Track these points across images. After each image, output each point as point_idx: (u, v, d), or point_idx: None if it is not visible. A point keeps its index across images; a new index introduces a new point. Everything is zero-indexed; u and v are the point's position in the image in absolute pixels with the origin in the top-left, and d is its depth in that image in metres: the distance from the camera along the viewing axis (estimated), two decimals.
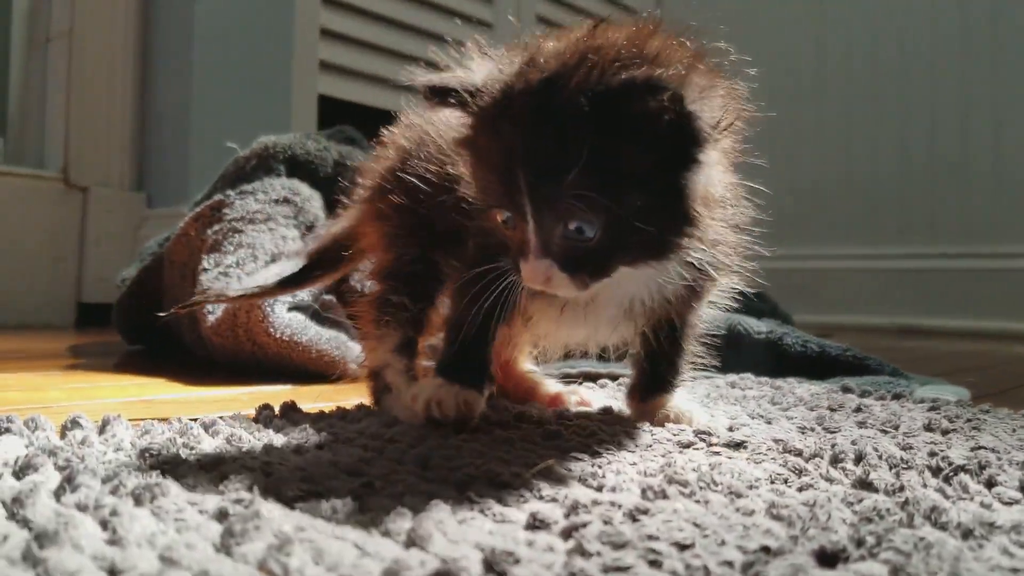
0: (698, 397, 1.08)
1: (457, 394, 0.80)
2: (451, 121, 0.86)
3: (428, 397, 0.80)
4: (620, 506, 0.55)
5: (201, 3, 2.54)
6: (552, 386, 1.02)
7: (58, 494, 0.55)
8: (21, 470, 0.60)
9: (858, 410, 1.00)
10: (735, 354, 1.46)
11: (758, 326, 1.49)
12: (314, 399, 1.05)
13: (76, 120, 2.61)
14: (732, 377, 1.28)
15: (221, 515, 0.52)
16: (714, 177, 0.72)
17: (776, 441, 0.79)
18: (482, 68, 0.74)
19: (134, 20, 2.69)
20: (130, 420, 0.77)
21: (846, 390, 1.18)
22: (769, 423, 0.92)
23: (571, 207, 0.66)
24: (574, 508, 0.55)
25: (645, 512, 0.54)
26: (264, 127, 1.81)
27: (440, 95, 0.73)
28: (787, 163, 3.46)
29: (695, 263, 0.76)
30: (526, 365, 1.03)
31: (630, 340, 0.89)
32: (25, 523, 0.49)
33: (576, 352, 0.95)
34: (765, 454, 0.74)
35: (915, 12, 3.20)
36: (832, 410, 1.00)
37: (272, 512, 0.52)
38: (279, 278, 1.09)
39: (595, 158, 0.65)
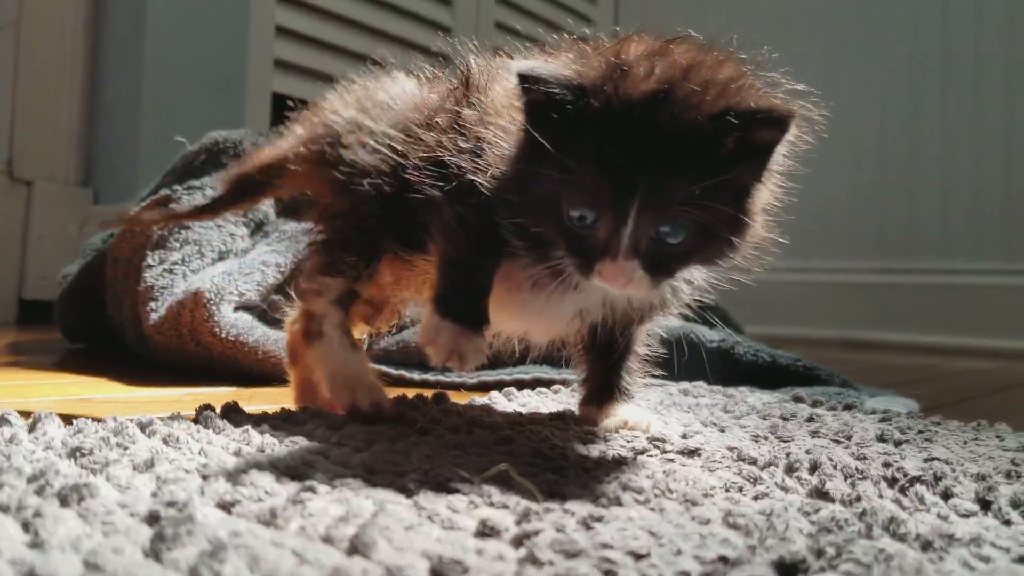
0: (651, 404, 1.07)
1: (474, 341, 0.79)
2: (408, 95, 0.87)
3: (447, 345, 0.79)
4: (573, 513, 0.54)
5: None
6: None
7: None
8: None
9: (810, 420, 1.00)
10: (688, 362, 1.45)
11: (711, 335, 1.48)
12: (258, 401, 1.02)
13: (22, 112, 2.53)
14: (684, 385, 1.27)
15: (152, 518, 0.49)
16: (766, 193, 0.76)
17: (730, 449, 0.78)
18: (571, 64, 0.72)
19: (84, 11, 2.62)
20: (64, 418, 0.74)
21: (797, 400, 1.18)
22: (722, 431, 0.91)
23: (677, 213, 0.68)
24: (525, 515, 0.53)
25: (599, 520, 0.52)
26: (216, 124, 1.76)
27: (539, 85, 0.69)
28: None
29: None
30: None
31: (574, 339, 0.90)
32: None
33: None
34: (719, 462, 0.73)
35: (867, 32, 3.24)
36: (785, 419, 1.00)
37: (207, 516, 0.49)
38: (193, 206, 1.07)
39: (709, 168, 0.67)
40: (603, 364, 0.90)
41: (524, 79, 0.70)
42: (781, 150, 0.73)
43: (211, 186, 1.48)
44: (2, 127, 2.53)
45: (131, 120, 2.53)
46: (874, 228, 3.20)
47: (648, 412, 0.93)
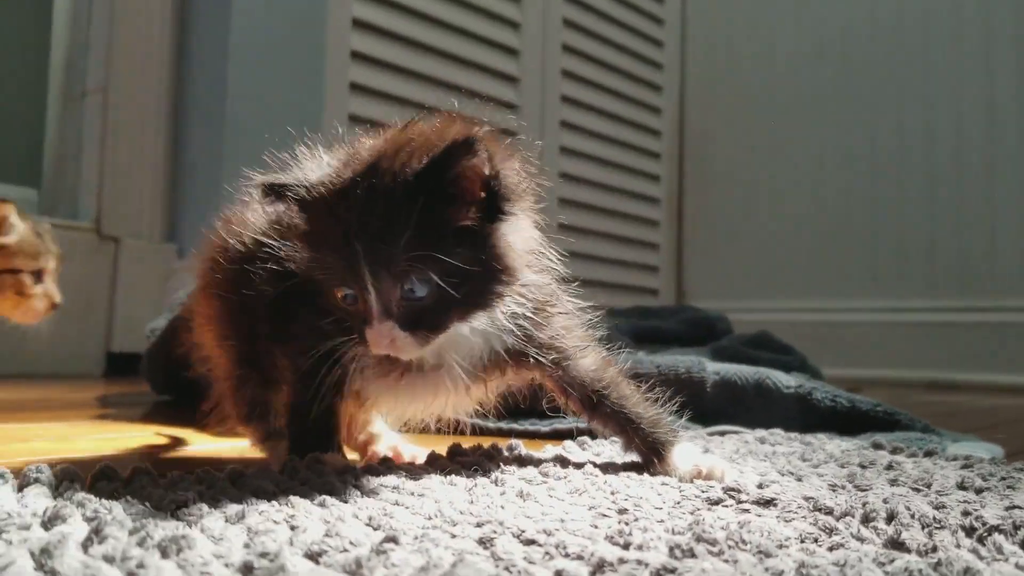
0: (726, 453, 1.07)
1: None
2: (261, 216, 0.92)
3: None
4: (647, 564, 0.55)
5: (233, 60, 2.59)
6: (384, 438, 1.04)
7: (86, 545, 0.55)
8: (49, 521, 0.61)
9: (889, 467, 0.99)
10: (764, 409, 1.44)
11: (787, 380, 1.47)
12: None
13: (109, 172, 2.65)
14: (761, 433, 1.26)
15: (246, 568, 0.51)
16: (523, 232, 0.81)
17: (806, 499, 0.77)
18: (311, 166, 0.81)
19: (168, 75, 2.74)
20: (158, 471, 0.78)
21: (877, 446, 1.17)
22: (799, 480, 0.90)
23: (406, 269, 0.73)
24: (600, 566, 0.54)
25: (673, 571, 0.53)
26: None
27: (276, 193, 0.79)
28: (815, 218, 3.45)
29: (517, 311, 0.82)
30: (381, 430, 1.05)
31: (484, 399, 0.91)
32: (53, 574, 0.49)
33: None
34: (795, 512, 0.73)
35: (942, 71, 3.21)
36: (863, 467, 0.99)
37: (297, 566, 0.52)
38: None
39: (421, 223, 0.73)
40: (616, 417, 0.90)
41: (264, 190, 0.79)
42: (511, 185, 0.77)
43: None
44: (91, 187, 2.65)
45: (213, 178, 2.62)
46: (955, 265, 3.14)
47: (723, 461, 0.93)
